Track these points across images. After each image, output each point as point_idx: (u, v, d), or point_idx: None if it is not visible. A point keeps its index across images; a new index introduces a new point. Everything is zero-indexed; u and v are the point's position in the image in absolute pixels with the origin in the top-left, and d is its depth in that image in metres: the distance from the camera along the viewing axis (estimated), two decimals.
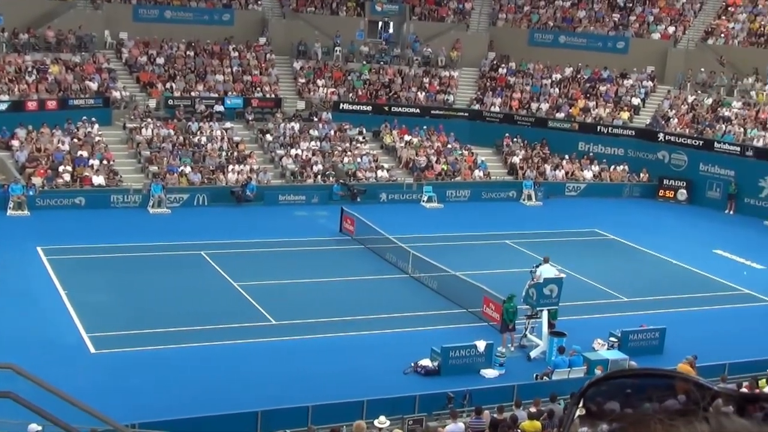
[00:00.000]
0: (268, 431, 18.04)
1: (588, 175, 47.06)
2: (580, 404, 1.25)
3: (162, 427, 17.46)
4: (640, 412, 1.18)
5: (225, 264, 31.17)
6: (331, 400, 20.21)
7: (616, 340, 25.11)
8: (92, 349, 23.68)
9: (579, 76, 51.95)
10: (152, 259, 31.59)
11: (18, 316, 25.32)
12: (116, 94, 44.92)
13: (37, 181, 37.99)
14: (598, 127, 48.72)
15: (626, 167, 47.48)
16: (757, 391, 19.40)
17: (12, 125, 40.84)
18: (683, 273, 33.91)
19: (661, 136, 47.39)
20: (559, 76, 51.96)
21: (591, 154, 48.07)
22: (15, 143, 40.23)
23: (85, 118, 42.51)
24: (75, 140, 41.05)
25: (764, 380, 20.50)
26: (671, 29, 52.64)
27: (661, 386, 1.21)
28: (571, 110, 49.88)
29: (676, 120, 48.08)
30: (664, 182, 46.59)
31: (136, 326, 25.28)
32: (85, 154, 40.19)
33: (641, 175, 47.34)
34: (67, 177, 38.91)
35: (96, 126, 42.31)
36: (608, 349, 24.71)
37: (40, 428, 15.37)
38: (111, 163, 40.51)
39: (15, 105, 42.17)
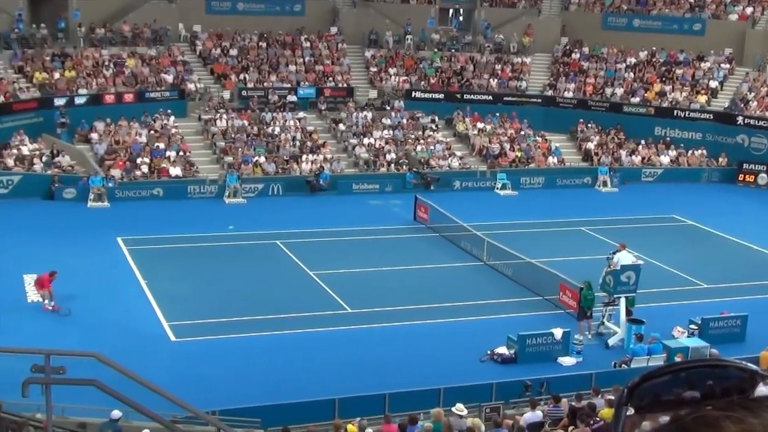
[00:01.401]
0: (345, 419, 18.11)
1: (665, 160, 46.33)
2: (629, 404, 1.21)
3: (240, 414, 17.68)
4: (703, 409, 1.14)
5: (300, 253, 31.39)
6: (408, 388, 20.23)
7: (696, 327, 24.68)
8: (172, 338, 24.07)
9: (654, 59, 51.11)
10: (229, 248, 31.95)
11: (101, 306, 25.84)
12: (191, 86, 45.52)
13: (116, 173, 38.71)
14: (675, 111, 47.89)
15: (704, 152, 46.61)
16: None
17: (91, 118, 41.75)
18: (765, 259, 33.17)
19: (740, 119, 46.43)
20: (633, 60, 51.18)
21: (668, 138, 47.31)
22: (94, 136, 41.08)
23: (161, 110, 43.22)
24: (152, 132, 41.73)
25: None
26: (749, 10, 51.45)
27: (717, 377, 1.17)
28: (646, 94, 49.11)
29: (755, 103, 47.02)
30: (744, 166, 45.60)
31: (215, 315, 25.61)
32: (162, 145, 40.84)
33: (720, 159, 46.44)
34: (144, 168, 39.58)
35: (172, 118, 42.98)
36: (688, 336, 24.31)
37: (122, 414, 15.68)
38: (187, 154, 41.09)
39: (93, 99, 43.05)
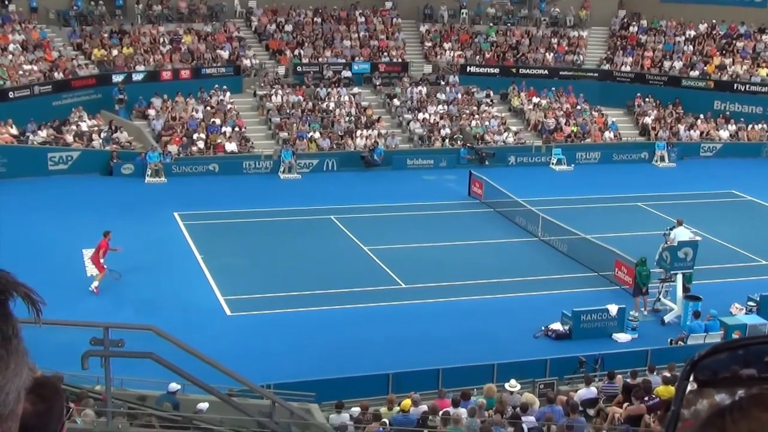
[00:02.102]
0: (399, 394, 18.20)
1: (724, 134, 45.59)
2: (691, 378, 1.20)
3: (295, 388, 17.82)
4: (760, 387, 1.13)
5: (355, 228, 31.49)
6: (462, 363, 20.27)
7: (754, 304, 24.35)
8: (228, 312, 24.34)
9: (714, 32, 50.22)
10: (284, 223, 32.17)
11: (158, 280, 26.19)
12: (246, 62, 45.75)
13: (172, 148, 39.10)
14: (735, 85, 47.08)
15: (765, 126, 45.76)
16: None
17: (148, 95, 42.17)
18: None
19: None
20: (693, 33, 50.34)
21: (727, 113, 46.54)
22: (151, 112, 41.52)
23: (217, 86, 43.52)
24: (208, 108, 42.05)
25: None
26: None
27: None
28: (706, 68, 48.31)
29: None
30: None
31: (270, 290, 25.82)
32: (217, 121, 41.14)
33: None
34: (201, 144, 39.93)
35: (228, 94, 43.25)
36: (746, 313, 24.01)
37: (179, 387, 15.90)
38: (242, 129, 41.36)
39: (151, 75, 43.50)
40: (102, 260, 25.28)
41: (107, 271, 25.21)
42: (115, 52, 43.73)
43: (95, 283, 25.13)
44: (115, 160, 37.88)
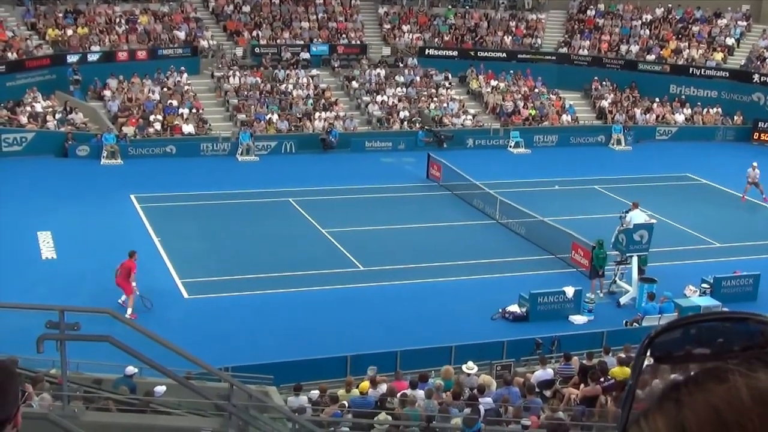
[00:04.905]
0: (357, 376, 18.24)
1: (679, 118, 46.04)
2: (648, 354, 1.22)
3: (253, 370, 17.80)
4: (715, 363, 1.15)
5: (313, 211, 31.43)
6: (419, 345, 20.35)
7: (708, 286, 24.69)
8: (186, 295, 24.21)
9: (670, 16, 50.62)
10: (241, 206, 32.01)
11: (114, 263, 25.81)
12: (204, 43, 45.38)
13: (129, 130, 38.73)
14: (691, 69, 47.53)
15: (719, 110, 46.29)
16: None
17: (104, 76, 41.68)
18: None
19: (756, 77, 46.03)
20: (649, 17, 50.70)
21: (683, 96, 46.97)
22: (107, 93, 41.05)
23: (173, 67, 43.12)
24: (165, 89, 41.67)
25: None
26: None
27: (736, 330, 1.17)
28: (662, 52, 48.71)
29: None
30: (760, 125, 45.28)
31: (227, 272, 25.72)
32: (174, 102, 40.79)
33: (735, 117, 46.09)
34: (157, 126, 39.58)
35: (185, 75, 42.89)
36: (700, 295, 24.32)
37: (136, 370, 15.82)
38: (200, 111, 41.06)
39: (106, 55, 43.01)
40: (132, 282, 22.76)
41: (136, 295, 22.76)
42: (69, 32, 43.16)
43: (129, 310, 22.10)
44: (70, 142, 37.46)
